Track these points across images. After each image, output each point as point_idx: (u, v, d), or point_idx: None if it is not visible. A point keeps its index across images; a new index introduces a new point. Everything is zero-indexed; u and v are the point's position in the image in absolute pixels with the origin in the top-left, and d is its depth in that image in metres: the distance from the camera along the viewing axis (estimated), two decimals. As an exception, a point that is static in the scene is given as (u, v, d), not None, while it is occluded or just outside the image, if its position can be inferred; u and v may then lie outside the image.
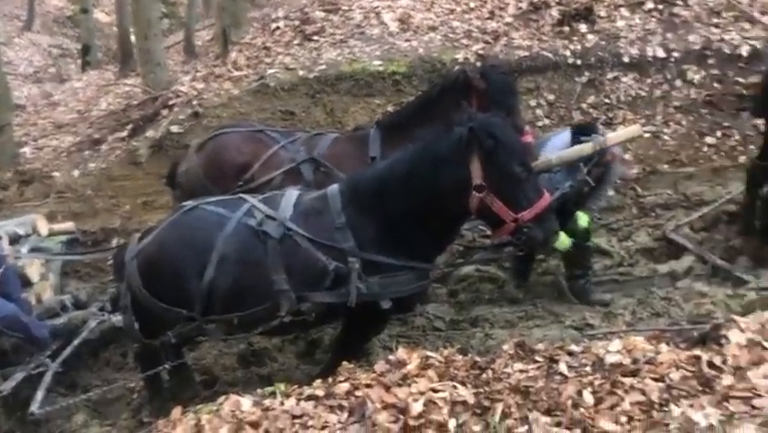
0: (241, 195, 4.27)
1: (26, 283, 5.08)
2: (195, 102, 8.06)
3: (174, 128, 7.89)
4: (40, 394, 4.35)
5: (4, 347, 4.59)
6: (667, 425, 2.54)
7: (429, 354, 3.33)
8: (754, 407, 2.60)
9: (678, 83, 7.79)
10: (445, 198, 3.75)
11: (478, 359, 3.31)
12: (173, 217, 4.19)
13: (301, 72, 8.26)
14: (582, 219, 5.29)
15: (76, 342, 4.79)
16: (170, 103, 8.91)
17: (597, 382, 2.87)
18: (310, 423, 2.90)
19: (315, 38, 9.09)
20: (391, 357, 3.37)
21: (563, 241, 4.80)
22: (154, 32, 10.47)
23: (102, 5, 23.75)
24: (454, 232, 4.16)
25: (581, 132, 4.92)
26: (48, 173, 8.38)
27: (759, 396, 2.64)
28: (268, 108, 7.95)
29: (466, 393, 2.90)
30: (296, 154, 5.14)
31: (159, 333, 4.13)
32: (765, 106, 5.47)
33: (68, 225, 6.11)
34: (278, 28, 9.70)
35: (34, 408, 4.22)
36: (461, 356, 3.35)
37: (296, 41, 9.23)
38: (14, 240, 5.33)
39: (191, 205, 4.20)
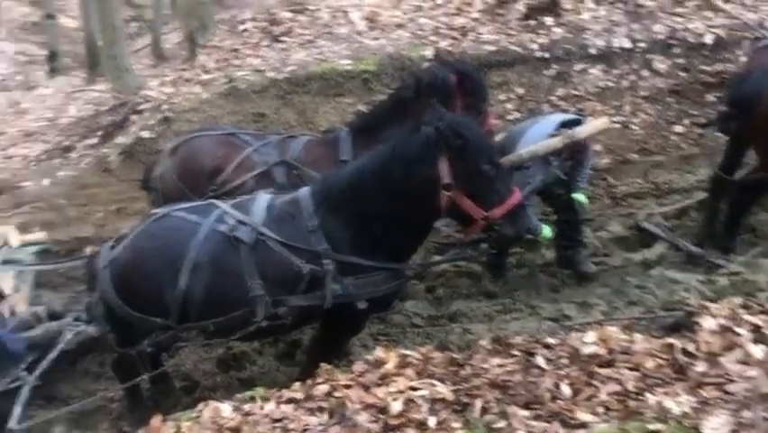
0: (212, 200, 4.24)
1: (-2, 297, 5.00)
2: (164, 107, 8.00)
3: (144, 134, 7.83)
4: (17, 410, 4.30)
5: (-24, 363, 4.48)
6: (642, 413, 2.59)
7: (407, 352, 3.36)
8: (726, 392, 2.65)
9: (644, 73, 7.89)
10: (416, 198, 3.77)
11: (456, 355, 3.34)
12: (144, 225, 4.15)
13: (271, 74, 8.24)
14: (580, 197, 5.47)
15: (53, 354, 4.72)
16: (140, 108, 8.82)
17: (573, 374, 2.91)
18: (291, 426, 2.91)
19: (284, 39, 9.07)
20: (369, 357, 3.39)
21: (545, 234, 4.90)
22: (119, 37, 10.38)
23: (67, 11, 23.47)
24: (426, 230, 4.16)
25: (569, 125, 4.97)
26: (17, 183, 8.26)
27: (732, 381, 2.69)
28: (239, 111, 7.91)
29: (445, 390, 2.93)
30: (268, 157, 5.13)
31: (135, 342, 4.10)
32: (730, 124, 5.54)
33: (40, 235, 6.02)
34: (245, 30, 9.65)
35: (13, 424, 4.17)
36: (439, 353, 3.38)
37: (264, 43, 9.20)
38: (-15, 253, 5.28)
39: (162, 212, 4.17)
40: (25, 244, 5.70)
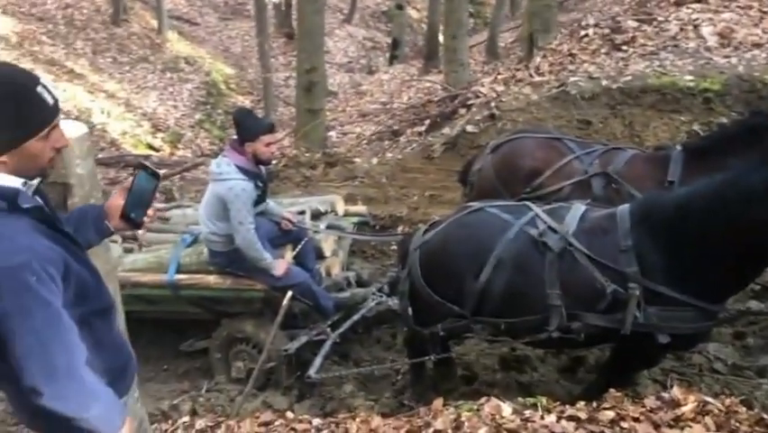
0: (526, 202, 4.25)
1: (319, 256, 5.50)
2: (493, 104, 8.15)
3: (469, 128, 8.06)
4: (318, 360, 4.74)
5: (293, 311, 5.00)
6: None
7: (707, 399, 3.11)
8: None
9: None
10: (751, 239, 3.39)
11: (765, 416, 3.00)
12: (458, 216, 4.29)
13: (604, 82, 8.01)
14: None
15: (355, 317, 5.14)
16: (469, 103, 9.13)
17: None
18: (569, 444, 2.84)
19: (624, 48, 8.75)
20: (665, 395, 3.20)
21: None
22: (462, 32, 10.81)
23: (415, 2, 25.14)
24: (755, 275, 3.75)
25: None
26: (350, 158, 9.00)
27: None
28: (564, 116, 7.82)
29: (748, 452, 2.65)
30: (589, 167, 5.00)
31: (429, 323, 4.27)
32: None
33: (362, 208, 6.52)
34: (586, 35, 9.48)
35: (312, 372, 4.61)
36: (744, 409, 3.06)
37: (603, 50, 8.97)
38: (315, 216, 5.84)
39: (477, 206, 4.27)
40: (348, 214, 6.20)
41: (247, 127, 4.60)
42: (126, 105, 16.23)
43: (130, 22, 19.63)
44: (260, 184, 4.74)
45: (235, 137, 4.73)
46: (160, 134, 15.96)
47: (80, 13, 18.83)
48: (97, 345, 2.11)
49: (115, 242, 5.52)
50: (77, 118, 14.43)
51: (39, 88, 1.91)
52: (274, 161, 8.88)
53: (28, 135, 1.90)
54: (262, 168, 4.82)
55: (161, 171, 8.78)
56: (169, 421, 4.08)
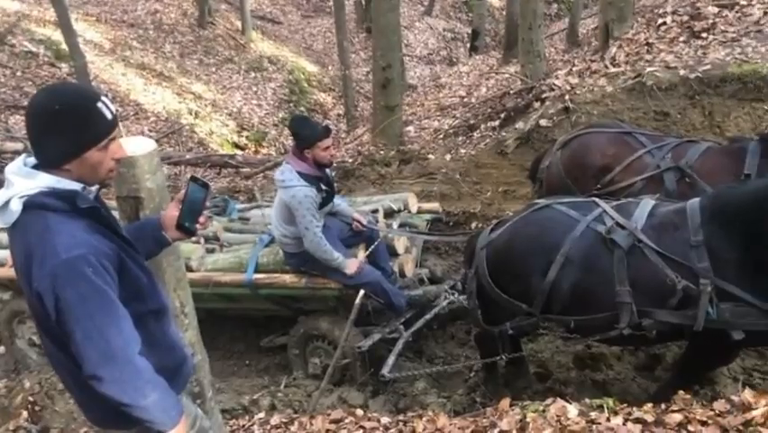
0: (594, 198, 4.22)
1: (393, 254, 5.60)
2: (567, 97, 8.03)
3: (543, 122, 7.97)
4: (392, 359, 4.83)
5: (366, 309, 5.10)
6: None
7: (780, 402, 3.01)
8: None
9: None
10: None
11: None
12: (525, 213, 4.30)
13: (682, 72, 7.75)
14: None
15: (428, 315, 5.21)
16: (543, 96, 9.01)
17: None
18: (635, 447, 2.83)
19: (704, 35, 8.44)
20: (734, 398, 3.12)
21: None
22: (538, 23, 10.66)
23: (496, -9, 24.88)
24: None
25: None
26: (424, 155, 9.03)
27: None
28: (641, 108, 7.64)
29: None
30: (661, 161, 4.90)
31: (498, 322, 4.30)
32: None
33: (435, 205, 6.57)
34: (664, 23, 9.19)
35: (385, 371, 4.70)
36: (823, 413, 2.96)
37: (681, 38, 8.68)
38: (388, 214, 5.94)
39: (543, 203, 4.27)
40: (421, 212, 6.26)
41: (303, 135, 4.73)
42: (213, 106, 16.73)
43: (215, 24, 20.18)
44: (324, 186, 4.87)
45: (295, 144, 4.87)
46: (244, 133, 16.39)
47: (168, 18, 19.48)
48: (152, 343, 2.28)
49: (198, 243, 5.77)
50: (166, 119, 15.02)
51: (99, 104, 2.12)
52: (350, 159, 9.07)
53: (89, 145, 2.11)
54: (326, 170, 4.94)
55: (245, 170, 9.09)
56: (246, 417, 4.26)
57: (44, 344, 2.27)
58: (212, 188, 2.53)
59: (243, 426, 4.06)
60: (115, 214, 2.43)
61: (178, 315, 2.81)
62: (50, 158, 2.10)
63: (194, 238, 5.34)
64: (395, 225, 5.76)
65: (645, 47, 8.89)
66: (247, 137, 16.34)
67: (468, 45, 20.87)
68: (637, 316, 3.69)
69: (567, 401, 3.42)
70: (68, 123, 2.06)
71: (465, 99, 12.79)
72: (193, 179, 2.47)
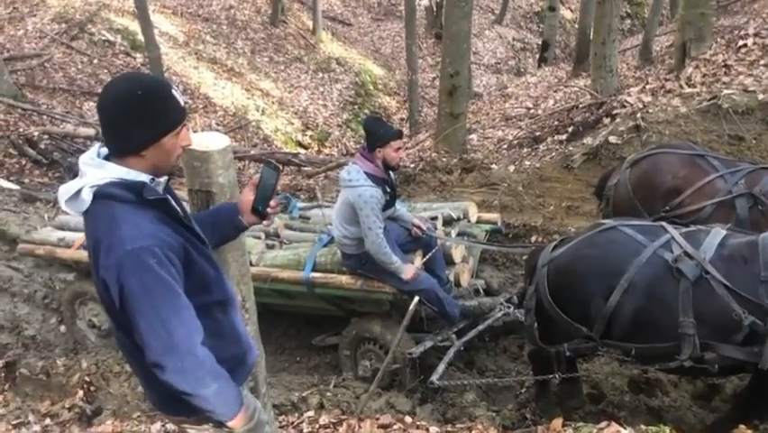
0: (662, 223, 4.11)
1: (449, 263, 5.56)
2: (638, 115, 7.84)
3: (612, 138, 7.81)
4: (441, 367, 4.80)
5: (420, 316, 5.11)
6: None
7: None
8: None
9: None
10: None
11: None
12: (590, 233, 4.22)
13: (761, 96, 7.52)
14: None
15: (481, 326, 5.16)
16: (614, 112, 8.85)
17: None
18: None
19: (787, 59, 8.17)
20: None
21: None
22: (612, 38, 10.47)
23: (569, 3, 24.57)
24: None
25: None
26: (487, 164, 8.94)
27: None
28: (715, 131, 7.42)
29: None
30: (734, 187, 4.77)
31: (555, 342, 4.24)
32: None
33: (495, 215, 6.50)
34: (744, 45, 8.93)
35: (435, 378, 4.68)
36: None
37: (762, 62, 8.40)
38: (447, 222, 5.91)
39: (610, 224, 4.18)
40: (480, 222, 6.20)
41: (378, 134, 4.77)
42: (279, 103, 16.94)
43: (287, 22, 20.43)
44: (389, 189, 4.89)
45: (364, 145, 4.90)
46: (309, 132, 16.56)
47: (242, 14, 19.80)
48: (217, 334, 2.32)
49: (259, 238, 5.84)
50: (234, 114, 15.27)
51: (173, 92, 2.18)
52: (412, 165, 9.05)
53: (166, 131, 2.17)
54: (391, 173, 4.96)
55: (307, 169, 9.18)
56: (295, 414, 4.28)
57: (113, 327, 2.33)
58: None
59: (293, 423, 4.09)
60: (186, 205, 2.47)
61: (239, 309, 2.84)
62: (130, 144, 2.14)
63: (260, 228, 5.42)
64: (453, 234, 5.72)
65: (723, 68, 8.65)
66: (311, 136, 16.50)
67: (537, 56, 20.65)
68: (700, 349, 3.60)
69: (621, 426, 3.36)
70: (149, 108, 2.11)
71: (531, 111, 12.63)
72: (266, 162, 2.51)
